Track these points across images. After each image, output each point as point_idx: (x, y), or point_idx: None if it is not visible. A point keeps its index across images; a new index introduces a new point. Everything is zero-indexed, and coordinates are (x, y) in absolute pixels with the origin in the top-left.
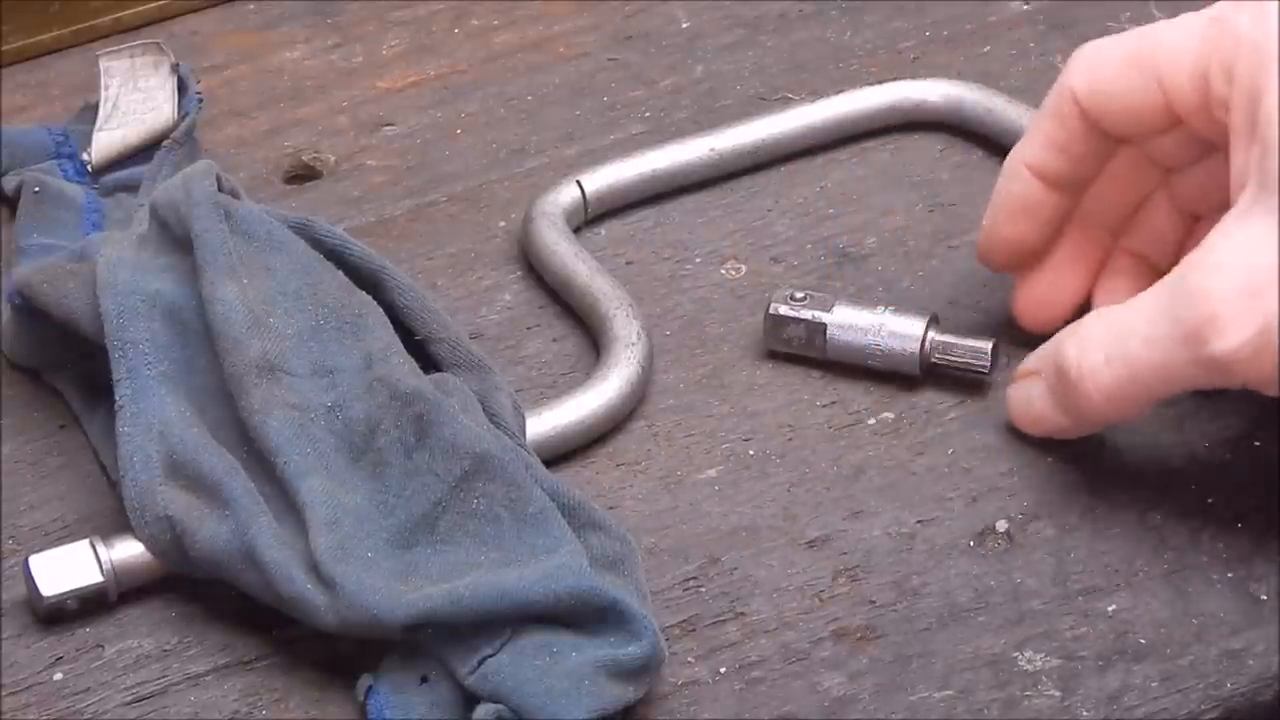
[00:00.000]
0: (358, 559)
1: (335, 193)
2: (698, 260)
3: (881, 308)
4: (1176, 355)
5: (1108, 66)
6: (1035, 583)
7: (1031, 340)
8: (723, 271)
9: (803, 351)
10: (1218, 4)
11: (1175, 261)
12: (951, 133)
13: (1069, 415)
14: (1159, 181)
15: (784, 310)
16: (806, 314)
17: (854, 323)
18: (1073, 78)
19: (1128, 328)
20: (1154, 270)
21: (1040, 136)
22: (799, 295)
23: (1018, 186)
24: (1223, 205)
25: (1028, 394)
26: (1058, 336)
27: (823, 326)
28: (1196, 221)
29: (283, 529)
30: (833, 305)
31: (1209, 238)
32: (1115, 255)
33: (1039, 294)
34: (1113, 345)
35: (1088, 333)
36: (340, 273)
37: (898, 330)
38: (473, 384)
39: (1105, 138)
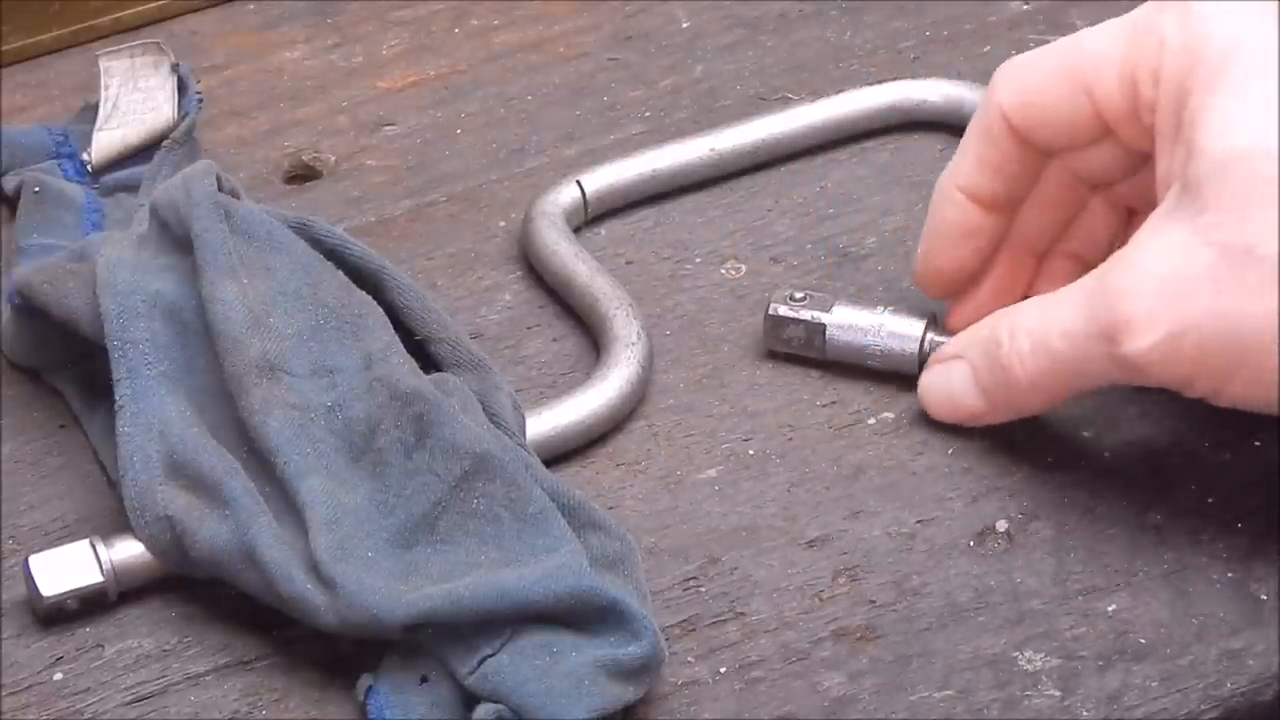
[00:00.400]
0: (358, 559)
1: (335, 193)
2: (698, 260)
3: (881, 308)
4: (1094, 351)
5: (1034, 80)
6: (1035, 583)
7: None
8: (723, 271)
9: (802, 352)
10: (1141, 7)
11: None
12: (951, 133)
13: (991, 400)
14: (1087, 201)
15: (783, 311)
16: (806, 314)
17: (853, 323)
18: (1000, 94)
19: (1051, 318)
20: (1089, 268)
21: (971, 158)
22: (799, 295)
23: (953, 212)
24: (1155, 204)
25: (947, 377)
26: (991, 321)
27: (822, 327)
28: (1132, 216)
29: (283, 529)
30: (832, 305)
31: (1134, 236)
32: (1051, 256)
33: (973, 318)
34: (1038, 333)
35: (1019, 319)
36: (340, 273)
37: (897, 330)
38: (473, 384)
39: (1037, 153)
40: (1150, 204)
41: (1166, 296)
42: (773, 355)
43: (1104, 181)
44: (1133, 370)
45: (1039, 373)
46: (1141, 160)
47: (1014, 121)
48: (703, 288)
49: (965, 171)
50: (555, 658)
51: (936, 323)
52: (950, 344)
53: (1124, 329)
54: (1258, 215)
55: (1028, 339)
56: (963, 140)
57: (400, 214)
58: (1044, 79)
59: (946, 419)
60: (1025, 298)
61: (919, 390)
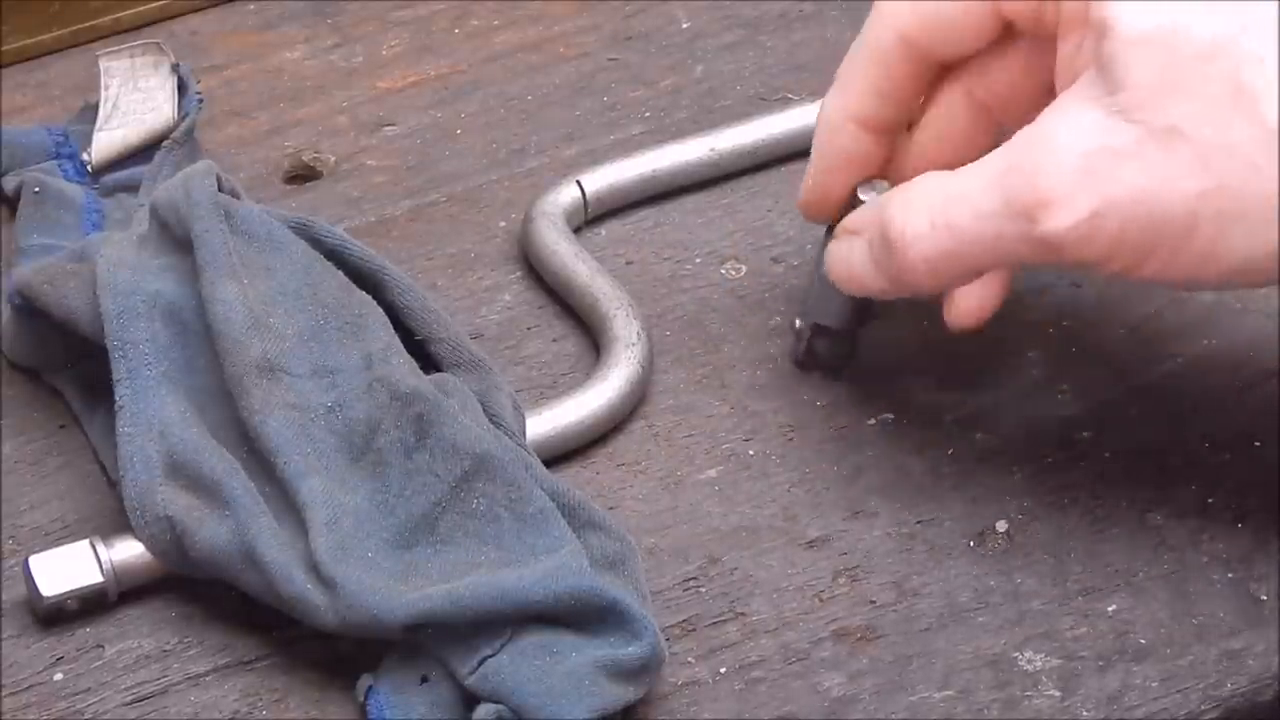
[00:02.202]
0: (358, 559)
1: (335, 193)
2: (698, 260)
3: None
4: (1006, 230)
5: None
6: (1035, 583)
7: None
8: (723, 271)
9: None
10: None
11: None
12: None
13: (888, 279)
14: (987, 131)
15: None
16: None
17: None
18: (891, 16)
19: (958, 196)
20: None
21: (861, 86)
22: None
23: (843, 141)
24: (1025, 112)
25: (848, 252)
26: (885, 197)
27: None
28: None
29: (283, 529)
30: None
31: (1044, 115)
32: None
33: None
34: (939, 212)
35: (915, 196)
36: (340, 273)
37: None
38: (473, 384)
39: (932, 71)
40: (1015, 110)
41: (1090, 173)
42: (772, 355)
43: (1000, 102)
44: (1047, 249)
45: (941, 252)
46: (1039, 71)
47: (911, 38)
48: (703, 288)
49: (858, 99)
50: (555, 658)
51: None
52: (850, 217)
53: (1044, 206)
54: (1179, 96)
55: (926, 218)
56: (844, 70)
57: (400, 214)
58: None
59: (849, 290)
60: None
61: (825, 254)
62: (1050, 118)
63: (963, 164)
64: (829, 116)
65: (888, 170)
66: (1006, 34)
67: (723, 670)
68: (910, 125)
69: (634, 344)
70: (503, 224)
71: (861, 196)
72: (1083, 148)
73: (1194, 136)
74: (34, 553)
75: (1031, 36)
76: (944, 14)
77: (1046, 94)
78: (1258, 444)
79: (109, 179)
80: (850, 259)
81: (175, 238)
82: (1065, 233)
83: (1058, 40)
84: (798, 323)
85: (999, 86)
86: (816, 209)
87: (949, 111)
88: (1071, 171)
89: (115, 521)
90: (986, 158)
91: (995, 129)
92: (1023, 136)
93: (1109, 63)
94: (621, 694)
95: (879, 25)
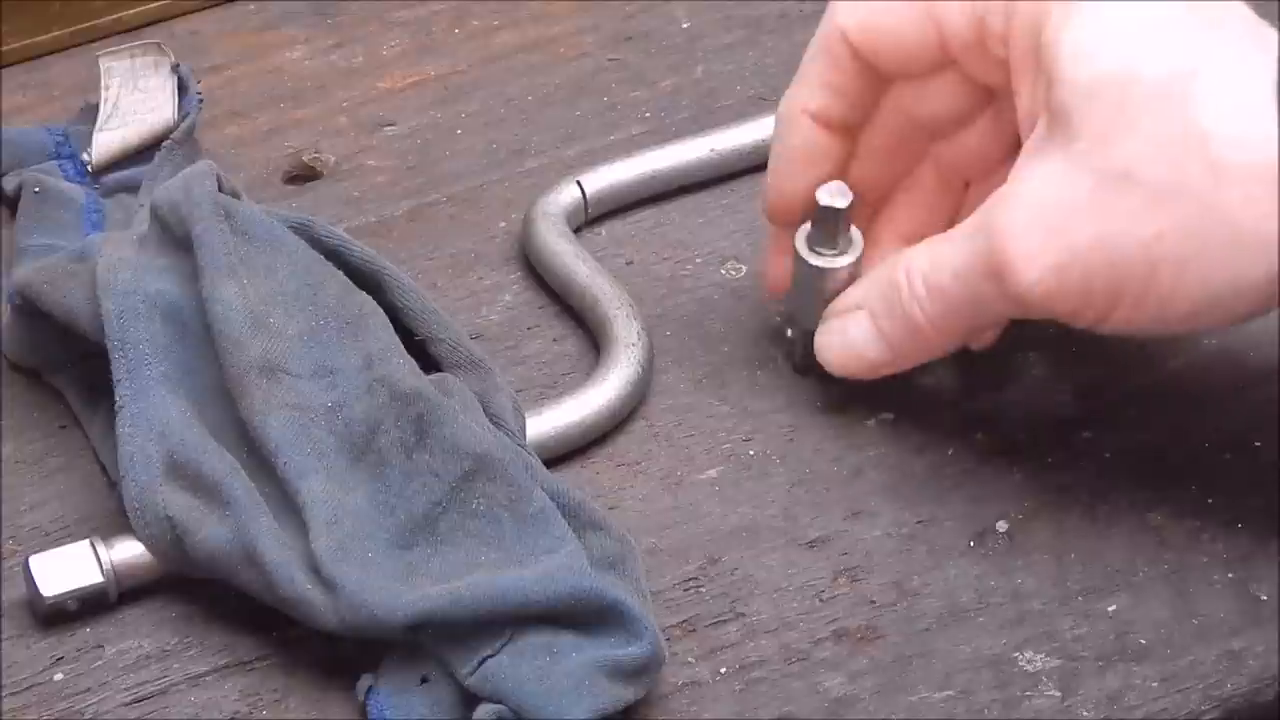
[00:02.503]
0: (358, 559)
1: (335, 193)
2: (698, 260)
3: None
4: (983, 290)
5: (879, 2)
6: (1035, 583)
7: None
8: (723, 272)
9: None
10: None
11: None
12: None
13: (894, 348)
14: (923, 152)
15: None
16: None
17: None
18: (840, 15)
19: (941, 260)
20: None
21: (814, 79)
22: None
23: (798, 136)
24: (993, 171)
25: (844, 329)
26: (887, 267)
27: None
28: (966, 189)
29: (283, 529)
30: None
31: (1013, 170)
32: (882, 238)
33: None
34: (930, 277)
35: (912, 262)
36: (340, 273)
37: None
38: (473, 384)
39: (876, 77)
40: (985, 173)
41: (1048, 229)
42: (772, 355)
43: (938, 126)
44: (1023, 305)
45: (937, 315)
46: (978, 104)
47: (855, 42)
48: (703, 288)
49: (810, 93)
50: (555, 658)
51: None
52: (846, 294)
53: (1009, 266)
54: (1131, 140)
55: (923, 282)
56: (803, 63)
57: (400, 214)
58: (889, 2)
59: (849, 373)
60: None
61: (816, 347)
62: (1016, 174)
63: (933, 231)
64: (785, 109)
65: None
66: (951, 64)
67: (723, 670)
68: (858, 130)
69: (634, 344)
70: (503, 224)
71: (820, 200)
72: (1040, 202)
73: (1146, 179)
74: (34, 553)
75: (993, 99)
76: (885, 24)
77: (1014, 152)
78: (1258, 444)
79: (109, 179)
80: (848, 338)
81: (175, 238)
82: (1032, 288)
83: (1014, 86)
84: (789, 333)
85: (967, 150)
86: (779, 210)
87: (918, 181)
88: (1031, 227)
89: (115, 521)
90: (970, 217)
91: (963, 195)
92: (995, 196)
93: (1061, 112)
94: (621, 694)
95: (828, 21)
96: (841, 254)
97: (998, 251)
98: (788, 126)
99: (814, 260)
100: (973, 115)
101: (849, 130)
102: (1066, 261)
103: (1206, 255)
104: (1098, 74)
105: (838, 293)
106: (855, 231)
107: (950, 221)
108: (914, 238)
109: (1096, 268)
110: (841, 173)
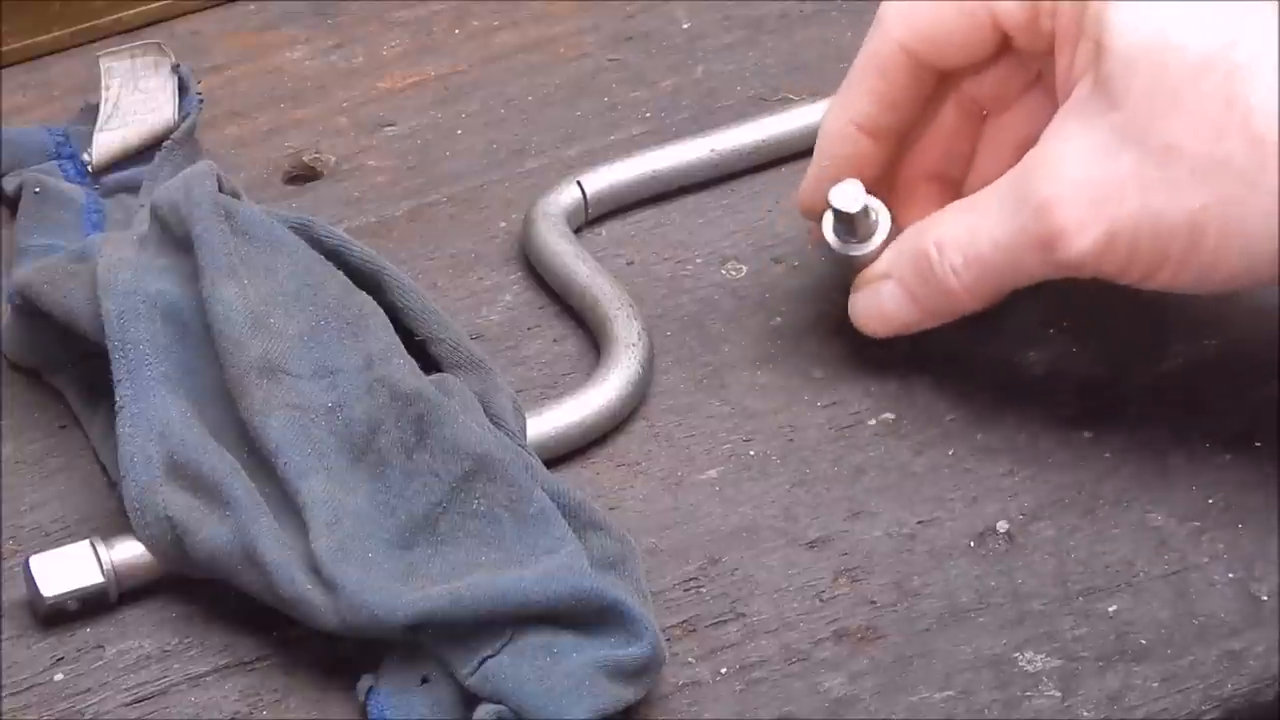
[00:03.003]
0: (358, 559)
1: (335, 193)
2: (698, 260)
3: None
4: (1028, 258)
5: (927, 5)
6: (1036, 583)
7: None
8: (723, 272)
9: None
10: None
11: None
12: None
13: (925, 310)
14: (947, 94)
15: None
16: None
17: None
18: (893, 27)
19: (979, 230)
20: (954, 186)
21: (865, 93)
22: None
23: (846, 147)
24: (1011, 104)
25: (877, 295)
26: (912, 237)
27: None
28: (984, 119)
29: (283, 530)
30: None
31: (1048, 137)
32: (910, 175)
33: None
34: (967, 247)
35: (944, 233)
36: (341, 273)
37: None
38: (473, 385)
39: (932, 81)
40: (1002, 104)
41: (1095, 201)
42: (772, 356)
43: (999, 104)
44: (1069, 269)
45: (973, 281)
46: (1002, 49)
47: (911, 49)
48: (703, 288)
49: (861, 107)
50: (555, 658)
51: None
52: (876, 265)
53: (1058, 237)
54: (1174, 114)
55: (959, 253)
56: (850, 77)
57: (400, 214)
58: (937, 2)
59: (879, 333)
60: None
61: (850, 313)
62: (1054, 143)
63: (953, 167)
64: (831, 120)
65: (888, 173)
66: (1007, 47)
67: (723, 671)
68: (909, 132)
69: (634, 344)
70: (503, 224)
71: (834, 203)
72: (1087, 175)
73: (1189, 152)
74: (34, 553)
75: (1027, 47)
76: (943, 26)
77: (1035, 93)
78: (1258, 444)
79: (109, 179)
80: (880, 303)
81: (176, 238)
82: (1083, 256)
83: (1055, 53)
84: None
85: (989, 90)
86: (812, 208)
87: (938, 116)
88: (1078, 201)
89: (115, 521)
90: (998, 184)
91: (982, 130)
92: (1031, 162)
93: (1105, 80)
94: (622, 694)
95: (880, 34)
96: (864, 241)
97: (1046, 224)
98: (836, 140)
99: (841, 249)
100: (996, 57)
101: (899, 135)
102: (1114, 231)
103: (1249, 225)
104: (1141, 44)
105: (867, 265)
106: (879, 208)
107: (969, 154)
108: (938, 173)
109: (1142, 236)
110: (883, 174)
